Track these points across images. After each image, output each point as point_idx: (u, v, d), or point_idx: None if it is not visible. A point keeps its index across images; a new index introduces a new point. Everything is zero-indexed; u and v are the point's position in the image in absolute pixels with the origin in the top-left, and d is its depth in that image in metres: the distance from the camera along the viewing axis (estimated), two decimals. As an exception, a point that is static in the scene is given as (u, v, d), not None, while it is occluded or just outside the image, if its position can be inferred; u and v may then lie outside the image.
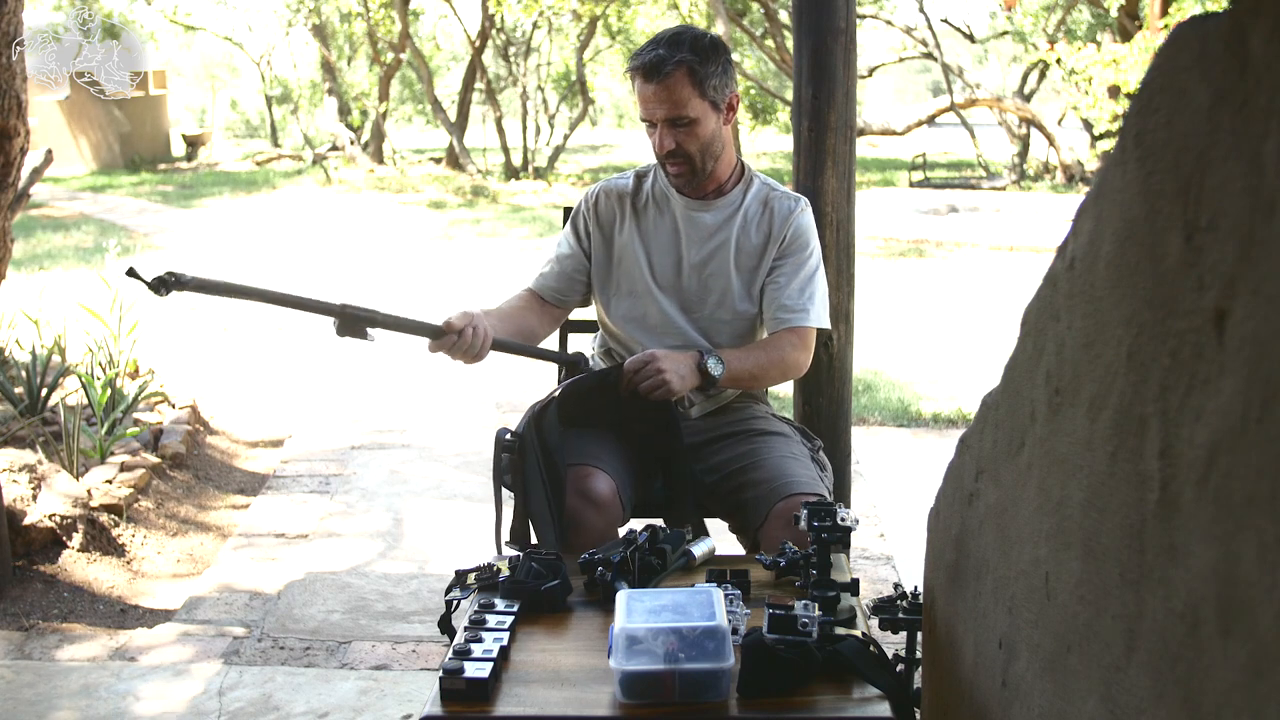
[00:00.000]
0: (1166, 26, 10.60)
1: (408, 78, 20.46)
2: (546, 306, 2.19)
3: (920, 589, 1.40)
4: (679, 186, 2.10)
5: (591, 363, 2.19)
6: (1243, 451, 0.58)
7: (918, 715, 1.35)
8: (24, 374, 4.07)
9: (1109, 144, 10.80)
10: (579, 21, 15.00)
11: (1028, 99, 15.41)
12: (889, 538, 3.36)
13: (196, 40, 24.58)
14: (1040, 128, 13.90)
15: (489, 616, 1.50)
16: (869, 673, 1.33)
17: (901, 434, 4.49)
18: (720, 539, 1.84)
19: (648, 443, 2.02)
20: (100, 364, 4.32)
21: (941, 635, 1.23)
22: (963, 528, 1.14)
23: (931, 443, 4.32)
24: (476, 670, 1.34)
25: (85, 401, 4.00)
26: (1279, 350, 0.56)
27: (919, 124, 14.79)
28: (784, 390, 4.07)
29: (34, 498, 3.25)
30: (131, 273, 1.57)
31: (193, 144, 18.77)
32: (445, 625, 1.62)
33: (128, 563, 3.22)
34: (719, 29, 12.06)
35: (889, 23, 15.42)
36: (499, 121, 15.32)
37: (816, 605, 1.39)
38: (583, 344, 2.35)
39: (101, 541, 3.23)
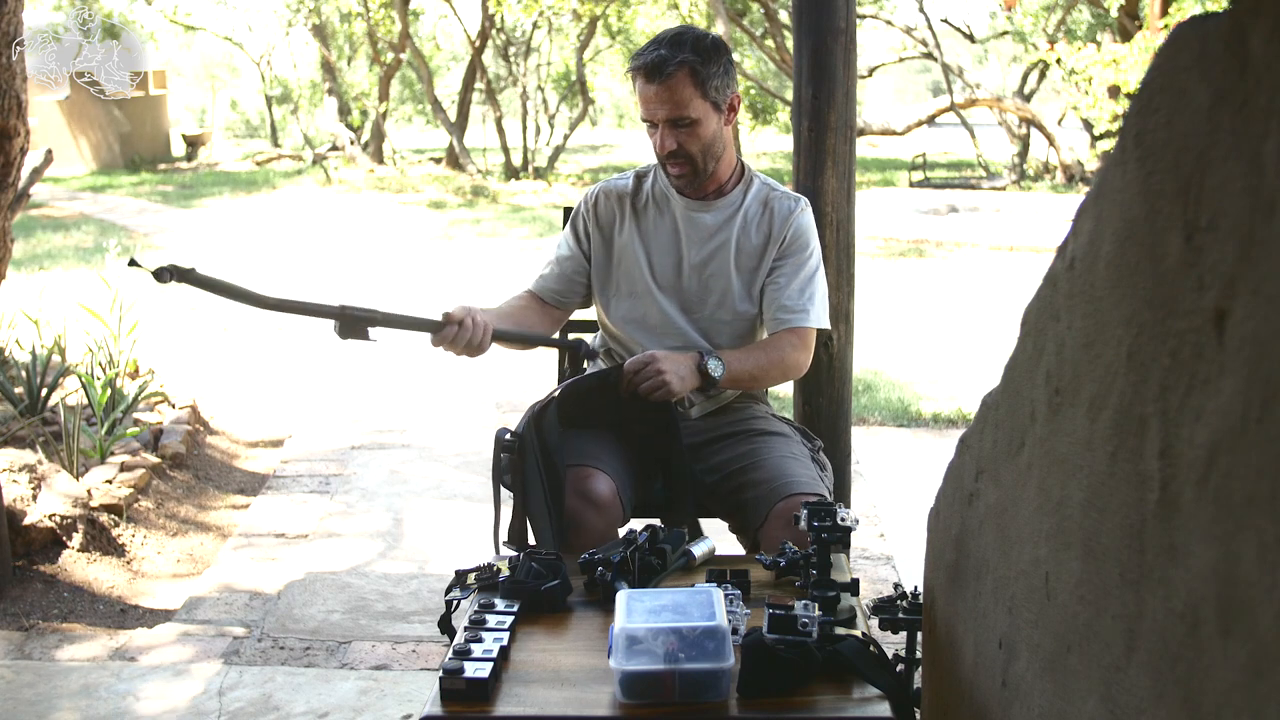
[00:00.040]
0: (1166, 26, 10.60)
1: (408, 78, 20.46)
2: (547, 308, 2.19)
3: (920, 589, 1.40)
4: (680, 187, 2.10)
5: (592, 345, 2.19)
6: (1243, 451, 0.58)
7: (918, 715, 1.35)
8: (24, 374, 4.07)
9: (1109, 144, 10.80)
10: (579, 21, 15.00)
11: (1028, 99, 15.41)
12: (889, 538, 3.36)
13: (196, 40, 24.58)
14: (1040, 128, 13.90)
15: (489, 616, 1.50)
16: (869, 673, 1.33)
17: (901, 434, 4.49)
18: (720, 539, 1.84)
19: (647, 444, 2.02)
20: (100, 364, 4.32)
21: (941, 635, 1.23)
22: (963, 528, 1.14)
23: (931, 443, 4.32)
24: (476, 670, 1.34)
25: (85, 401, 4.00)
26: (1279, 350, 0.56)
27: (919, 124, 14.79)
28: (784, 390, 4.07)
29: (34, 498, 3.25)
30: (133, 263, 1.59)
31: (193, 144, 18.77)
32: (445, 625, 1.62)
33: (128, 563, 3.22)
34: (719, 29, 12.06)
35: (889, 23, 15.42)
36: (499, 121, 15.32)
37: (816, 605, 1.39)
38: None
39: (101, 541, 3.23)
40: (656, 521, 1.90)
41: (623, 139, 24.56)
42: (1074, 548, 0.82)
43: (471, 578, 1.62)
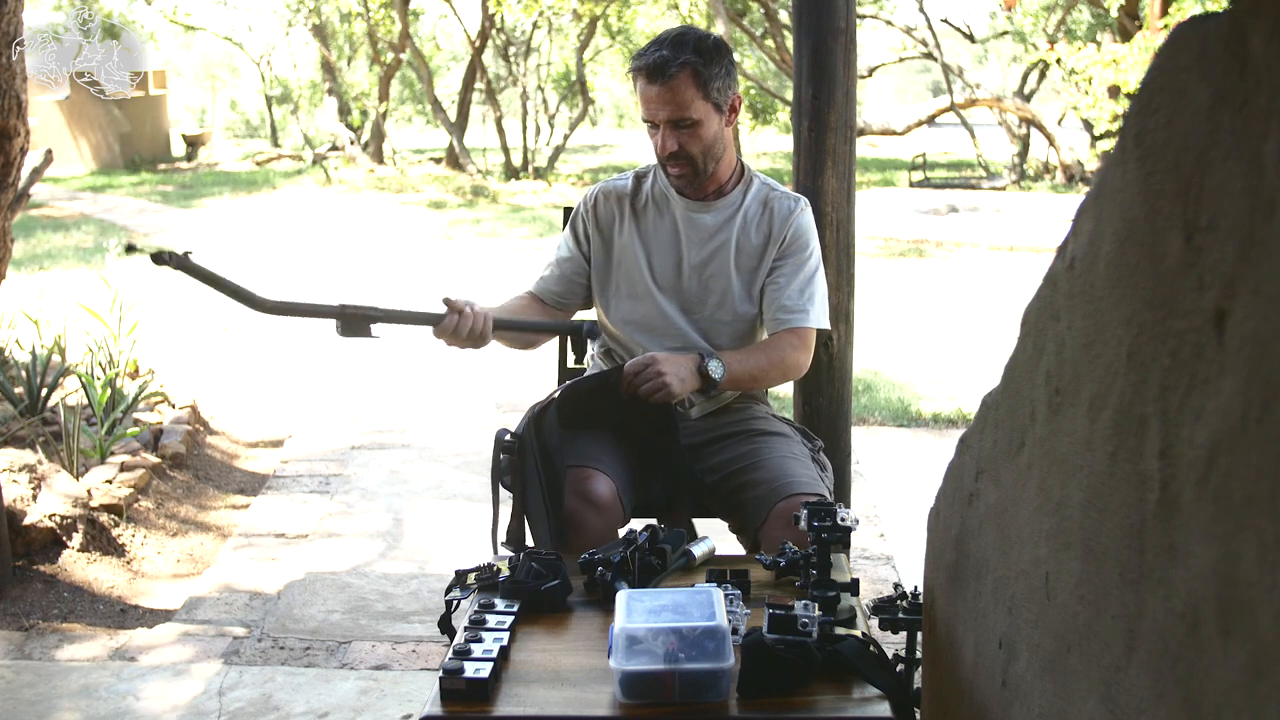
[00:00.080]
0: (1166, 26, 10.60)
1: (408, 78, 20.46)
2: (547, 309, 2.20)
3: (920, 589, 1.39)
4: (680, 188, 2.10)
5: (592, 327, 2.19)
6: (1243, 451, 0.58)
7: (918, 715, 1.35)
8: (24, 374, 4.07)
9: (1109, 144, 10.80)
10: (579, 21, 15.00)
11: (1028, 99, 15.41)
12: (889, 538, 3.36)
13: (196, 40, 24.58)
14: (1040, 128, 13.90)
15: (489, 616, 1.50)
16: (869, 673, 1.33)
17: (901, 434, 4.49)
18: (720, 539, 1.84)
19: (647, 445, 2.02)
20: (100, 364, 4.32)
21: (941, 635, 1.23)
22: (963, 528, 1.14)
23: (931, 443, 4.32)
24: (476, 670, 1.34)
25: (85, 401, 4.00)
26: (1279, 350, 0.56)
27: (919, 124, 14.79)
28: (784, 390, 4.07)
29: (34, 498, 3.25)
30: (131, 248, 1.60)
31: (193, 144, 18.76)
32: (445, 625, 1.62)
33: (128, 563, 3.22)
34: (719, 29, 12.06)
35: (889, 23, 15.41)
36: (499, 121, 15.32)
37: (816, 605, 1.39)
38: (582, 345, 2.35)
39: (101, 541, 3.23)
40: (656, 522, 1.90)
41: (623, 139, 24.55)
42: (1074, 548, 0.82)
43: (471, 578, 1.62)
